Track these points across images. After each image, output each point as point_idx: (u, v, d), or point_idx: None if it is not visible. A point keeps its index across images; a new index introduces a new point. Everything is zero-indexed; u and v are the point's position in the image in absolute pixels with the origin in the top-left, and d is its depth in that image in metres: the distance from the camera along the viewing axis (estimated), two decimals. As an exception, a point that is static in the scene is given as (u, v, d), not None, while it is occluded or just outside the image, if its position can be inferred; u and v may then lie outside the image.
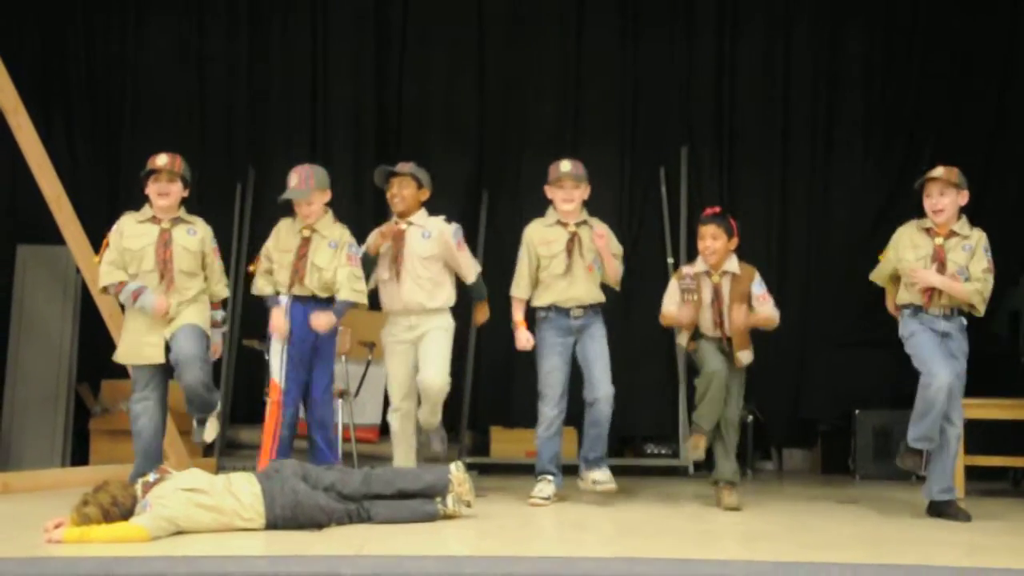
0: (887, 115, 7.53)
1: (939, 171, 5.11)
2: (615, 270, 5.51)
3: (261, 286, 5.42)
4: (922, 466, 5.01)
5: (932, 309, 5.03)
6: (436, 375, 5.35)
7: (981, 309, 5.08)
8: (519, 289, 5.52)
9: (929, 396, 4.93)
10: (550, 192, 5.48)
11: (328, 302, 5.30)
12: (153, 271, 5.16)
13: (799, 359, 7.36)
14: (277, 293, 5.34)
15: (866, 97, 7.55)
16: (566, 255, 5.40)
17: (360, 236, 5.73)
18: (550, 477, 5.42)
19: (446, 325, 5.48)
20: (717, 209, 5.39)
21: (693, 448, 5.20)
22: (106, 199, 7.46)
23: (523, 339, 5.48)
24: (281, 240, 5.39)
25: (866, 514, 5.15)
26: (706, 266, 5.29)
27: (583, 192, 5.47)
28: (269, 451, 5.19)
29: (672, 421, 7.14)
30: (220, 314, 5.38)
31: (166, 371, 5.20)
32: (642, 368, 7.11)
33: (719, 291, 5.24)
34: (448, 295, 5.51)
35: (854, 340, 7.30)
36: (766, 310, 5.29)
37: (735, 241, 5.29)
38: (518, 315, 5.52)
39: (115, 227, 5.27)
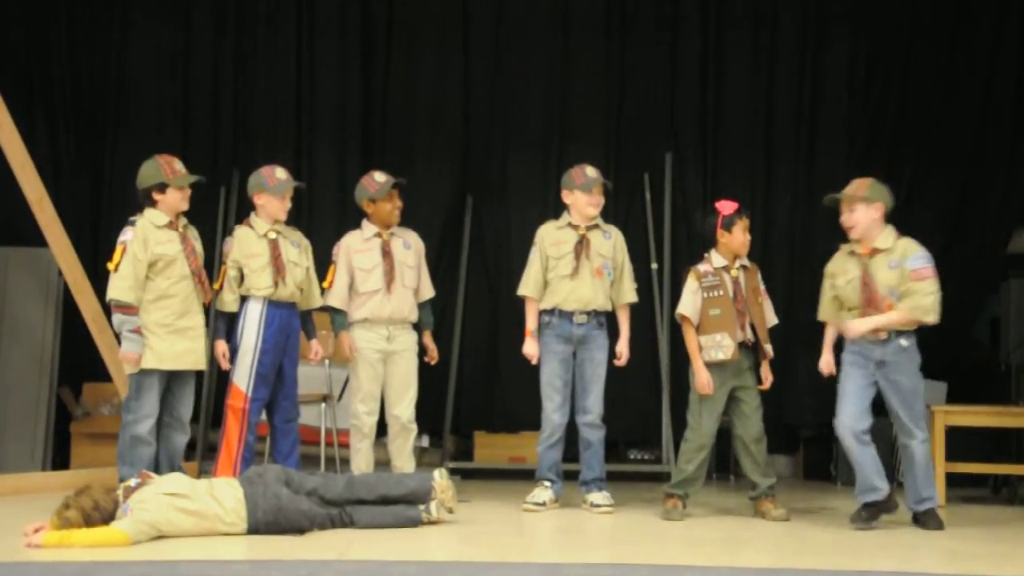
0: (871, 121, 7.55)
1: (848, 188, 5.05)
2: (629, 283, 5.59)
3: (231, 302, 5.35)
4: (879, 515, 4.89)
5: (866, 336, 4.94)
6: (410, 411, 5.54)
7: (930, 318, 4.90)
8: (527, 287, 5.51)
9: (841, 443, 5.02)
10: (571, 196, 5.50)
11: (295, 306, 5.43)
12: (188, 278, 5.13)
13: (781, 365, 7.36)
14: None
15: (850, 102, 7.57)
16: (574, 257, 5.42)
17: (337, 235, 5.79)
18: (547, 483, 5.44)
19: (415, 346, 5.60)
20: (736, 203, 5.38)
21: (672, 510, 5.13)
22: (88, 201, 7.43)
23: (530, 347, 5.44)
24: (248, 246, 5.36)
25: (847, 520, 5.16)
26: (724, 261, 5.28)
27: (603, 197, 5.54)
28: (235, 456, 5.23)
29: (655, 426, 7.15)
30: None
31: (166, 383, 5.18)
32: (625, 373, 7.10)
33: (739, 284, 5.24)
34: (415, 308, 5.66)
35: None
36: (769, 312, 5.38)
37: None
38: (531, 321, 5.47)
39: (134, 234, 5.06)
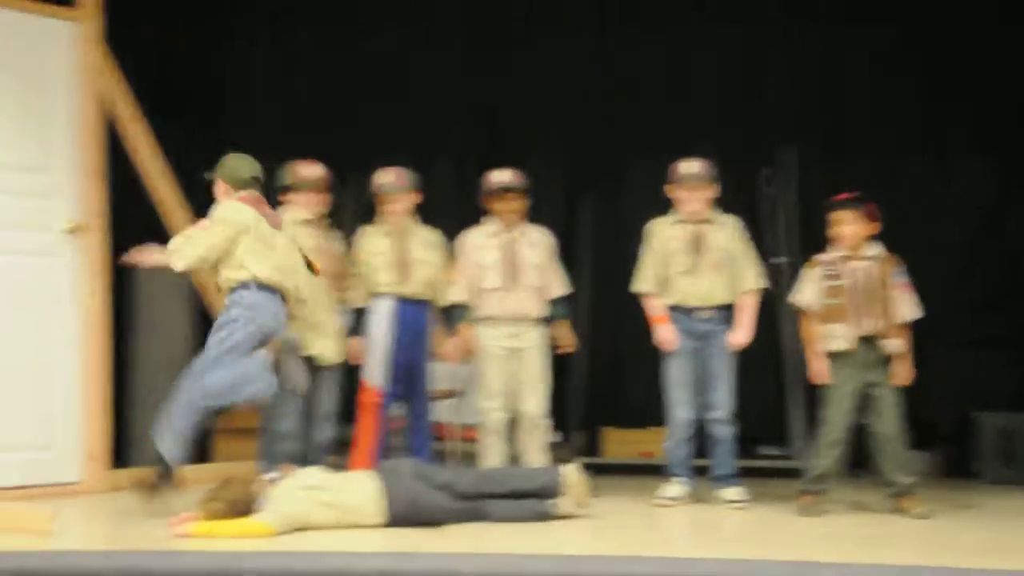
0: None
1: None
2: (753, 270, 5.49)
3: (359, 298, 5.52)
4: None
5: None
6: (541, 407, 5.51)
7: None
8: (641, 282, 5.48)
9: None
10: (672, 192, 5.44)
11: (427, 303, 5.51)
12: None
13: (918, 359, 7.15)
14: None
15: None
16: (689, 252, 5.36)
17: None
18: (678, 479, 5.40)
19: (544, 341, 5.57)
20: (849, 195, 5.20)
21: (808, 506, 5.07)
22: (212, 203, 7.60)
23: (665, 333, 5.38)
24: (373, 244, 5.49)
25: (990, 518, 4.98)
26: (845, 251, 5.15)
27: (709, 192, 5.41)
28: (370, 451, 5.34)
29: (782, 421, 7.01)
30: None
31: None
32: (750, 368, 6.97)
33: (863, 275, 5.09)
34: (545, 304, 5.59)
35: (970, 339, 7.09)
36: (905, 306, 5.16)
37: (875, 226, 5.15)
38: (657, 310, 5.44)
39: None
